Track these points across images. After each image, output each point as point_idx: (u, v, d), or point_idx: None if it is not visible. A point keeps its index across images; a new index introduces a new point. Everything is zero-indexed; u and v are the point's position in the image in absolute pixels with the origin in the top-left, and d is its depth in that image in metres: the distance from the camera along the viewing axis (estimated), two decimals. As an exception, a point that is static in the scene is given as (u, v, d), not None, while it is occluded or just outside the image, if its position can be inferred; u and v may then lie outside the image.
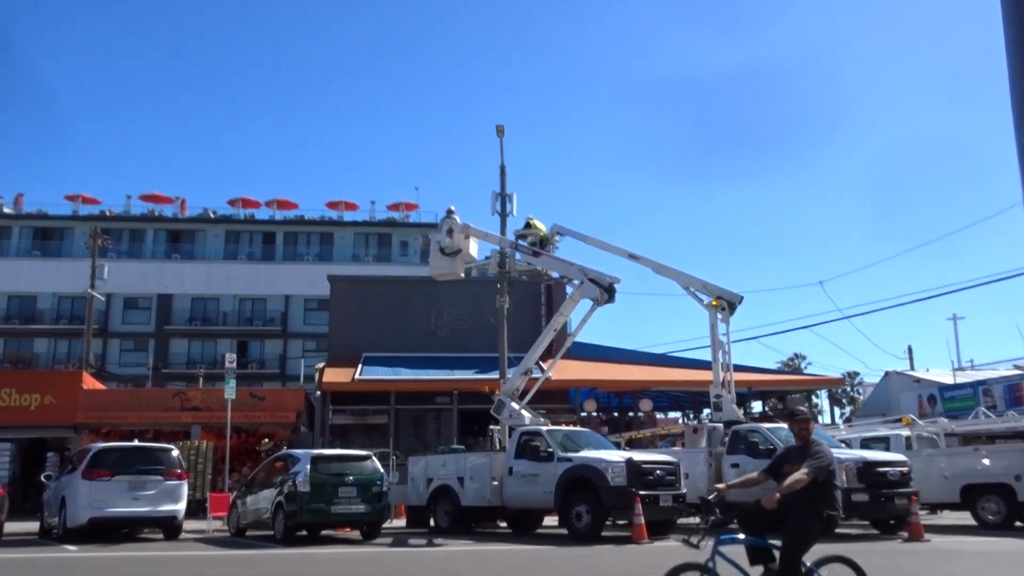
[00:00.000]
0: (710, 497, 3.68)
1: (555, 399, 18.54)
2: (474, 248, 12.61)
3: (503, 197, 14.48)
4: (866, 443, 12.00)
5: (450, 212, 12.64)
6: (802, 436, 3.72)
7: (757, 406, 23.23)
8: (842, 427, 16.62)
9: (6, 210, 35.40)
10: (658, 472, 9.47)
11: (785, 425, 11.90)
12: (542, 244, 12.86)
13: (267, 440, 17.94)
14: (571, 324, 18.68)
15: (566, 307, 11.41)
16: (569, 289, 11.37)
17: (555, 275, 12.99)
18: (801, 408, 4.00)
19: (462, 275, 12.81)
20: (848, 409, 35.46)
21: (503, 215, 14.21)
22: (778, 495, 3.42)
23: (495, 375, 15.50)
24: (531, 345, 12.03)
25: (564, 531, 9.59)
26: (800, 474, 3.47)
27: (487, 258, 14.61)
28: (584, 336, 12.92)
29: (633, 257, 12.11)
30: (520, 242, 12.82)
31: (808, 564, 3.37)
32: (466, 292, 19.66)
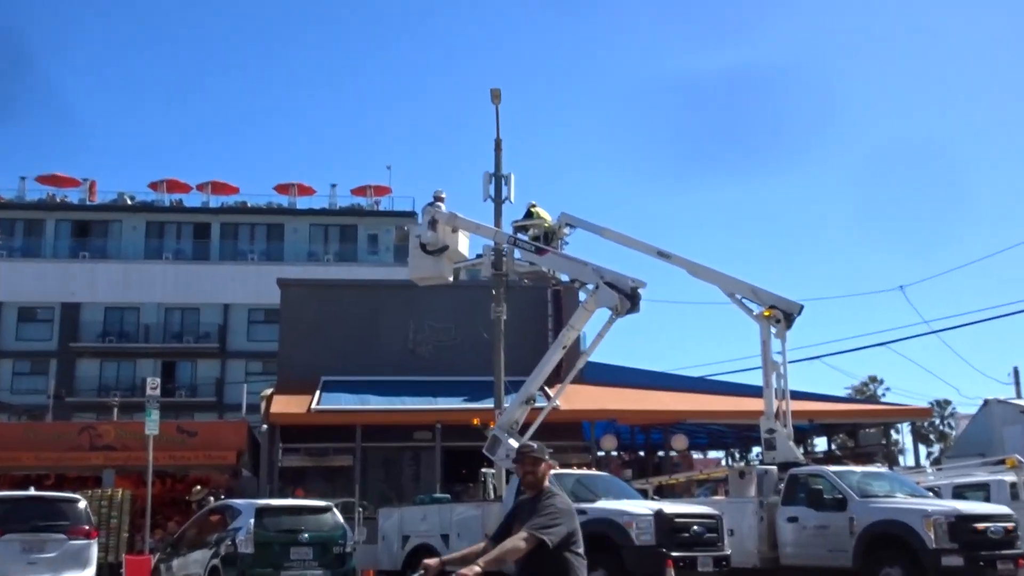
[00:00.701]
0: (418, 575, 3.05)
1: (565, 435, 18.48)
2: (464, 244, 12.66)
3: (498, 179, 14.42)
4: (960, 491, 11.97)
5: (436, 198, 12.71)
6: (530, 483, 3.28)
7: (821, 444, 23.25)
8: (929, 470, 16.56)
9: None
10: (695, 528, 9.38)
11: (858, 468, 11.92)
12: (547, 238, 12.92)
13: (199, 488, 17.92)
14: (584, 340, 18.36)
15: (578, 318, 11.42)
16: (582, 296, 11.41)
17: (564, 278, 13.03)
18: (530, 444, 3.43)
19: (450, 278, 12.86)
20: (937, 447, 35.53)
21: (498, 201, 14.27)
22: (476, 569, 2.88)
23: (489, 404, 15.43)
24: (534, 366, 12.04)
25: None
26: (516, 540, 3.01)
27: (479, 256, 14.61)
28: (601, 355, 12.99)
29: (663, 255, 12.15)
30: (520, 236, 12.87)
31: None
32: (453, 300, 19.75)
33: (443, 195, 12.85)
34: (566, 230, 13.19)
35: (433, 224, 12.40)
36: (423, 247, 12.37)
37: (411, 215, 36.22)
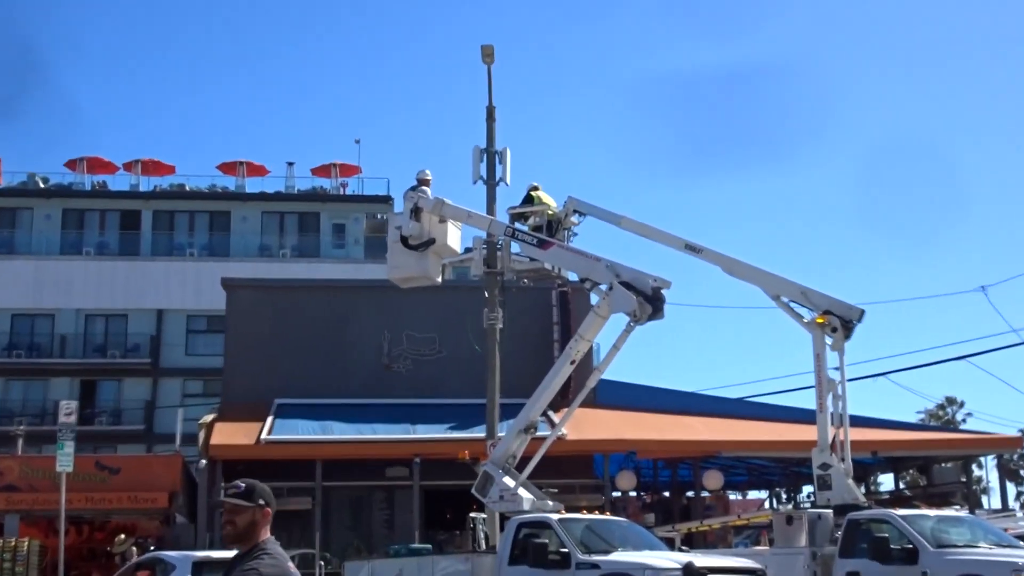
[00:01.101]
0: None
1: (573, 470, 18.48)
2: (454, 237, 12.81)
3: (490, 156, 14.55)
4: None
5: (420, 181, 12.73)
6: (230, 537, 3.19)
7: (887, 482, 23.19)
8: (1019, 514, 16.38)
9: None
10: (733, 585, 9.40)
11: (932, 512, 11.77)
12: (551, 229, 12.88)
13: (123, 537, 17.76)
14: (597, 353, 18.43)
15: (589, 327, 11.42)
16: (595, 299, 11.42)
17: (572, 277, 13.03)
18: (235, 484, 3.25)
19: (438, 279, 12.99)
20: (1030, 485, 36.16)
21: (491, 183, 14.28)
22: None
23: (480, 433, 15.58)
24: (536, 386, 11.97)
25: None
26: None
27: (467, 250, 14.58)
28: (617, 372, 12.90)
29: (692, 249, 12.11)
30: (518, 226, 12.88)
31: None
32: (437, 304, 19.81)
33: (428, 176, 12.85)
34: (574, 218, 13.16)
35: (416, 213, 12.43)
36: (404, 241, 12.41)
37: (386, 200, 36.33)
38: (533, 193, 13.75)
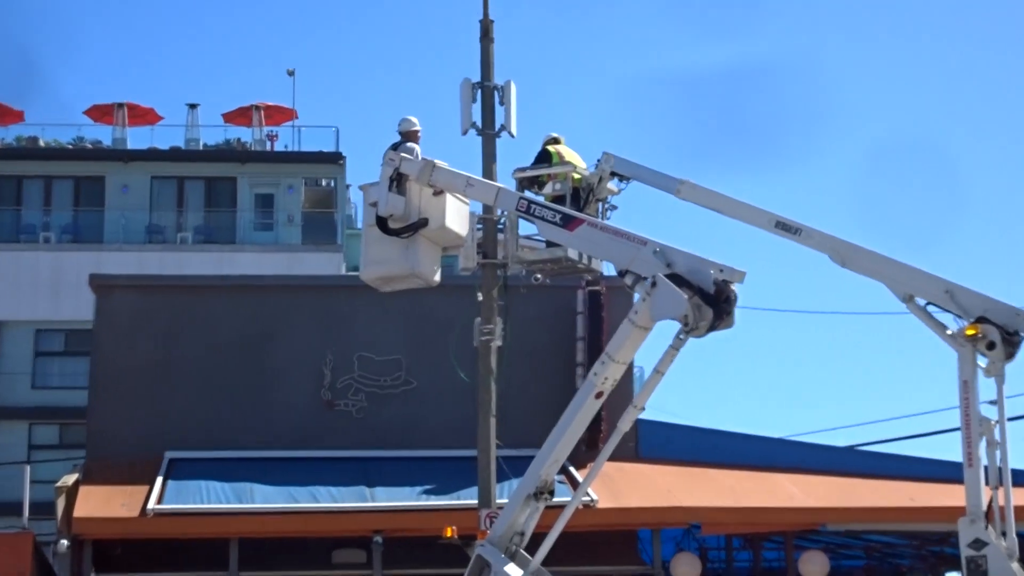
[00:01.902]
0: None
1: (608, 551, 18.80)
2: (459, 215, 13.20)
3: (486, 91, 15.14)
4: None
5: (405, 135, 13.16)
6: None
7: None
8: None
9: None
10: None
11: None
12: (577, 200, 13.10)
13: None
14: (637, 381, 19.12)
15: (622, 343, 11.50)
16: (638, 298, 11.59)
17: (607, 269, 13.18)
18: None
19: (436, 278, 13.35)
20: None
21: (487, 133, 14.59)
22: None
23: (471, 500, 15.65)
24: (549, 430, 12.05)
25: None
26: None
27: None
28: (665, 407, 12.89)
29: (786, 229, 12.10)
30: (530, 195, 13.13)
31: None
32: (405, 312, 20.06)
33: (415, 127, 13.26)
34: (612, 184, 13.38)
35: (399, 182, 12.63)
36: (383, 224, 12.59)
37: (335, 160, 36.69)
38: (551, 148, 13.88)
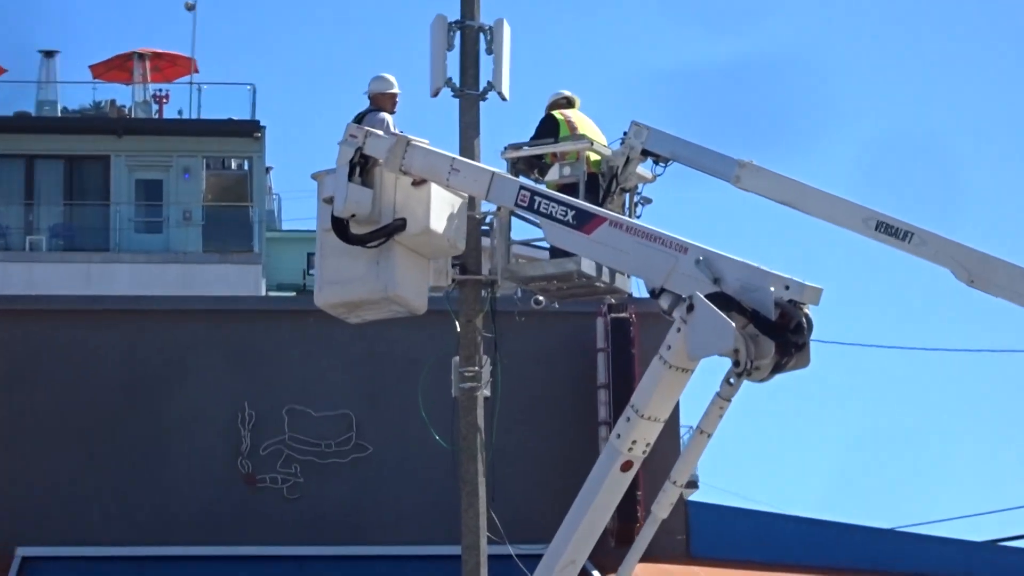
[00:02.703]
0: None
1: None
2: (447, 214, 12.90)
3: (467, 33, 15.12)
4: None
5: (375, 99, 13.56)
6: None
7: None
8: None
9: None
10: None
11: None
12: (594, 188, 13.32)
13: None
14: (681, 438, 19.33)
15: (656, 389, 11.46)
16: (673, 329, 11.67)
17: (633, 288, 13.34)
18: None
19: (420, 304, 13.16)
20: None
21: (466, 95, 14.73)
22: None
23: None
24: (559, 517, 12.29)
25: None
26: None
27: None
28: (727, 476, 12.94)
29: (890, 232, 12.38)
30: (530, 182, 13.24)
31: None
32: (352, 349, 20.43)
33: (393, 89, 13.68)
34: (644, 169, 13.59)
35: (364, 168, 12.76)
36: (341, 228, 12.65)
37: (252, 132, 36.67)
38: (559, 115, 14.15)
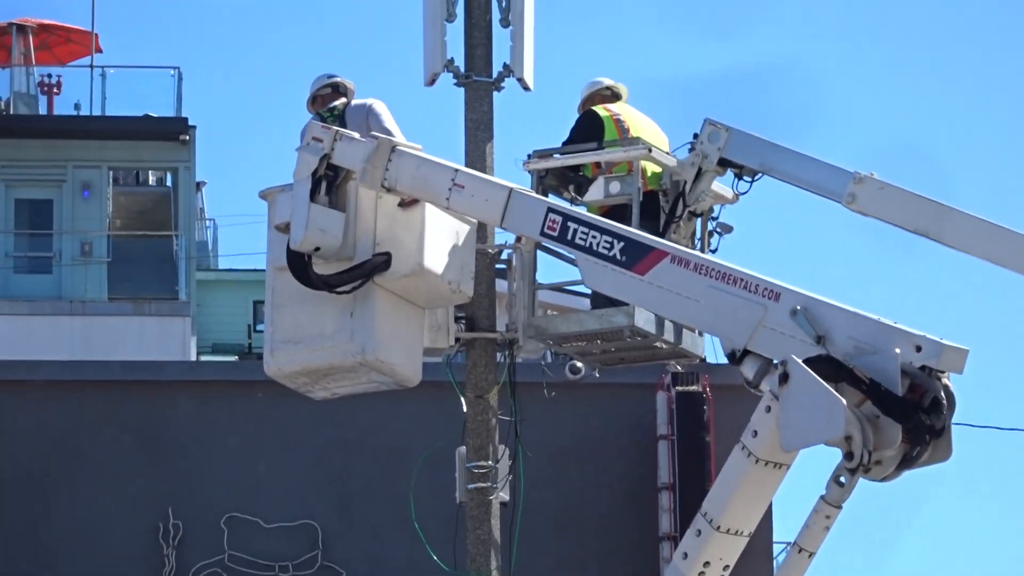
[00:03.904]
0: None
1: None
2: (447, 247, 12.88)
3: (473, 1, 15.03)
4: None
5: (332, 91, 14.02)
6: None
7: None
8: None
9: None
10: None
11: None
12: (651, 210, 13.42)
13: None
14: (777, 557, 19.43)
15: (738, 491, 11.51)
16: (760, 407, 11.75)
17: (707, 353, 13.42)
18: None
19: (412, 375, 13.22)
20: None
21: (476, 78, 14.84)
22: None
23: None
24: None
25: None
26: None
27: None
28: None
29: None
30: (563, 203, 13.30)
31: None
32: (314, 432, 20.78)
33: (345, 82, 14.09)
34: (722, 186, 13.76)
35: (330, 182, 12.80)
36: (300, 267, 12.70)
37: (176, 136, 36.90)
38: (603, 112, 14.30)
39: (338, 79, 13.92)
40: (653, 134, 14.04)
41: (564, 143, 14.04)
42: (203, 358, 37.19)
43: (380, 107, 13.47)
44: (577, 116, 14.42)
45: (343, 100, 13.72)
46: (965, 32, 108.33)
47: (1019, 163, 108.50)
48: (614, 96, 14.53)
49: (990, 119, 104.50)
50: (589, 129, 14.06)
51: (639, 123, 14.15)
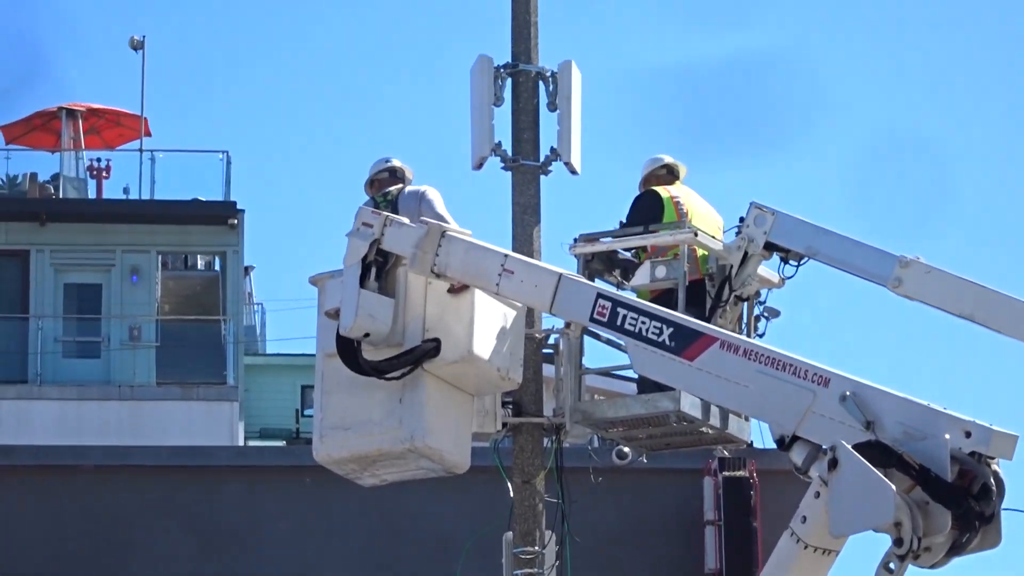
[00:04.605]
0: None
1: None
2: (496, 333, 12.91)
3: (520, 80, 15.11)
4: None
5: (383, 180, 13.96)
6: None
7: None
8: None
9: None
10: None
11: None
12: (698, 295, 13.34)
13: None
14: None
15: (787, 572, 11.54)
16: (810, 492, 11.66)
17: (756, 439, 13.36)
18: None
19: (462, 460, 13.27)
20: None
21: (524, 162, 14.71)
22: None
23: None
24: None
25: None
26: None
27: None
28: None
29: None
30: (612, 289, 13.25)
31: None
32: (360, 518, 20.80)
33: (400, 167, 13.97)
34: (768, 270, 13.67)
35: (380, 267, 12.79)
36: (350, 352, 12.67)
37: (224, 219, 36.87)
38: (664, 193, 14.27)
39: (396, 164, 13.91)
40: (709, 217, 14.06)
41: (623, 223, 14.07)
42: (251, 443, 37.19)
43: (433, 194, 13.41)
44: (637, 194, 14.46)
45: (399, 186, 13.65)
46: (965, 22, 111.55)
47: (1019, 154, 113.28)
48: (671, 175, 14.56)
49: (990, 109, 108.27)
50: (650, 210, 14.11)
51: (697, 206, 14.16)
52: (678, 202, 14.20)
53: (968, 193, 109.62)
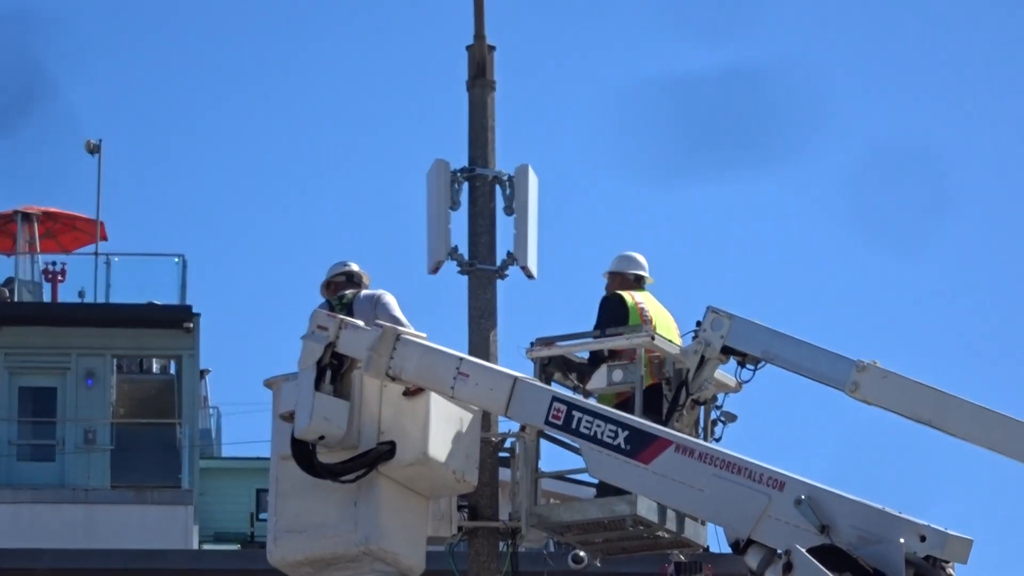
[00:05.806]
0: None
1: None
2: (451, 435, 13.07)
3: (476, 184, 15.10)
4: None
5: (341, 284, 13.98)
6: None
7: None
8: None
9: None
10: None
11: None
12: (655, 400, 13.36)
13: None
14: None
15: None
16: None
17: (711, 542, 13.27)
18: None
19: (416, 563, 13.20)
20: None
21: (480, 267, 14.69)
22: None
23: None
24: None
25: None
26: None
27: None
28: None
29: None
30: (567, 392, 13.25)
31: None
32: None
33: (358, 270, 14.02)
34: (725, 374, 13.70)
35: (335, 370, 12.79)
36: (305, 455, 12.65)
37: (179, 319, 36.87)
38: (629, 299, 14.33)
39: (354, 268, 13.92)
40: (670, 325, 14.11)
41: (595, 327, 14.11)
42: (205, 547, 37.00)
43: (389, 298, 13.44)
44: (604, 296, 14.51)
45: (355, 289, 13.67)
46: (963, 32, 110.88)
47: (1020, 162, 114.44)
48: (637, 282, 14.59)
49: (989, 119, 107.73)
50: (616, 313, 14.15)
51: (660, 316, 14.20)
52: (643, 308, 14.22)
53: (967, 203, 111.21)
